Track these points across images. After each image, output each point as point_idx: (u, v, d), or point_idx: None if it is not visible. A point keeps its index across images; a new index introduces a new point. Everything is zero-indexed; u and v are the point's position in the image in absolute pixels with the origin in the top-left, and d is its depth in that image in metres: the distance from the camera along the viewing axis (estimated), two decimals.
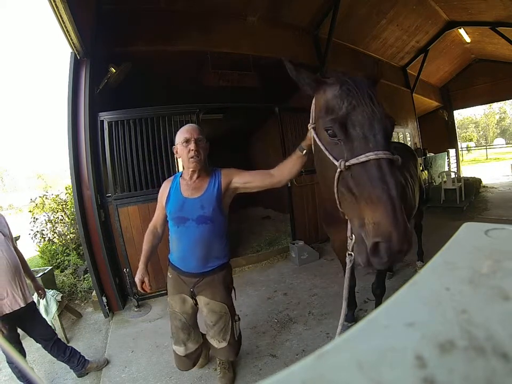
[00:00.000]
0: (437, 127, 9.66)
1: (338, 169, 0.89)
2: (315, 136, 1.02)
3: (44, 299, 2.42)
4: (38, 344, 1.97)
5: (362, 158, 0.83)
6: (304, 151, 1.24)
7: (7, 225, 1.90)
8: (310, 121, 1.07)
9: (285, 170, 1.34)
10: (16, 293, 1.72)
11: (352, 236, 0.97)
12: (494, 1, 4.88)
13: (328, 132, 0.92)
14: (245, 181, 1.46)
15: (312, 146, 1.10)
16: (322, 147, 0.97)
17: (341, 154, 0.90)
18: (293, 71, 1.03)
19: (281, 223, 5.53)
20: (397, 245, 0.77)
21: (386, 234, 0.76)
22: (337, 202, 0.97)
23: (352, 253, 1.02)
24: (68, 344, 2.13)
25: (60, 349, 1.98)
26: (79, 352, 2.08)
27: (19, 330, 1.86)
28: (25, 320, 1.84)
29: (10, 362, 1.77)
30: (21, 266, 1.85)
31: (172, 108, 3.38)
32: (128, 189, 3.16)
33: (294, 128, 4.25)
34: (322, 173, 1.07)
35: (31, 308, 1.87)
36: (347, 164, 0.86)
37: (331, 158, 0.92)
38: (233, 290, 1.66)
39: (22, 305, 1.74)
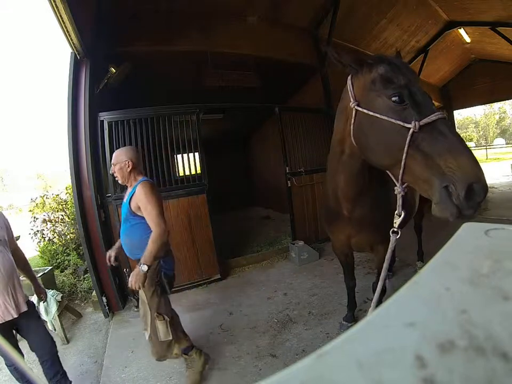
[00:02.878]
0: None
1: (411, 131, 0.95)
2: (364, 110, 1.09)
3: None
4: None
5: (433, 117, 0.94)
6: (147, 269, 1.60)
7: (7, 226, 1.77)
8: (351, 100, 1.14)
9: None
10: (8, 302, 1.60)
11: (401, 212, 1.13)
12: (494, 1, 4.88)
13: (393, 98, 1.01)
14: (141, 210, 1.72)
15: (352, 125, 1.16)
16: (380, 116, 1.04)
17: (409, 117, 0.98)
18: (335, 54, 1.14)
19: (281, 223, 5.53)
20: (486, 185, 0.85)
21: (478, 176, 0.85)
22: (401, 171, 1.02)
23: (399, 230, 1.11)
24: (63, 369, 1.86)
25: (51, 368, 1.78)
26: (70, 381, 1.86)
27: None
28: (20, 329, 1.74)
29: (9, 365, 1.71)
30: (16, 273, 1.70)
31: (172, 108, 3.39)
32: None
33: (294, 128, 4.25)
34: (377, 143, 1.11)
35: (26, 316, 1.70)
36: (421, 123, 0.94)
37: (399, 122, 0.99)
38: (156, 288, 1.75)
39: (15, 315, 1.62)
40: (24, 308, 1.68)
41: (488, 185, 0.86)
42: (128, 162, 1.73)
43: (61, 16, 2.27)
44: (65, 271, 3.93)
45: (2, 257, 1.63)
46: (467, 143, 0.99)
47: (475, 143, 28.19)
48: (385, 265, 1.12)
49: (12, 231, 1.83)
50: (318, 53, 4.97)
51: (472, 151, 0.90)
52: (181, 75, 4.44)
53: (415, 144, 0.95)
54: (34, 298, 2.05)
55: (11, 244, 1.77)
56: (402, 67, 1.07)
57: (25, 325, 1.72)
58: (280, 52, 4.36)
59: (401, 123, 0.98)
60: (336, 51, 1.15)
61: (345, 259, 2.10)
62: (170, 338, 1.74)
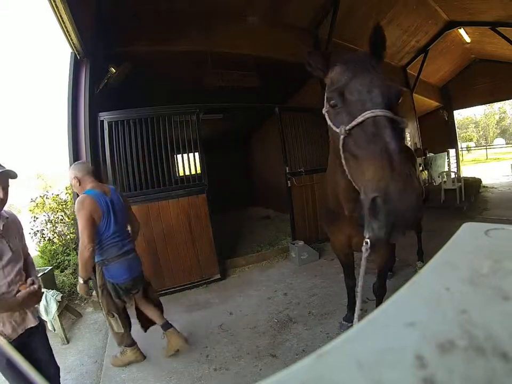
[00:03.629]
0: (437, 127, 9.66)
1: (341, 136, 0.89)
2: (327, 118, 1.03)
3: (44, 299, 2.42)
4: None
5: (359, 119, 0.85)
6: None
7: (22, 233, 1.55)
8: (324, 105, 1.08)
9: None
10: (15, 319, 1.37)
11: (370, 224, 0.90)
12: (494, 1, 4.88)
13: (331, 102, 0.95)
14: None
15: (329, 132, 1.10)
16: (329, 122, 0.99)
17: (342, 121, 0.92)
18: (307, 57, 1.07)
19: (281, 223, 5.52)
20: (397, 199, 0.68)
21: (382, 187, 0.70)
22: (349, 176, 0.97)
23: (368, 240, 0.93)
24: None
25: None
26: None
27: None
28: (26, 347, 1.41)
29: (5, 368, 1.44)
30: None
31: (172, 108, 3.38)
32: (128, 189, 3.16)
33: (294, 128, 4.25)
34: (333, 150, 1.07)
35: (35, 332, 1.46)
36: (347, 128, 0.87)
37: (334, 128, 0.94)
38: (103, 292, 1.96)
39: (32, 324, 1.42)
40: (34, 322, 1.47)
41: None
42: (74, 179, 1.88)
43: (61, 16, 2.27)
44: (65, 271, 3.93)
45: (11, 266, 1.41)
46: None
47: (475, 143, 28.18)
48: (360, 283, 0.97)
49: (23, 235, 1.64)
50: None
51: (401, 154, 0.76)
52: (181, 75, 4.44)
53: (347, 147, 0.90)
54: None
55: (24, 252, 1.56)
56: (352, 65, 0.98)
57: (33, 342, 1.48)
58: (280, 52, 4.36)
59: (334, 128, 0.94)
60: (310, 53, 1.08)
61: (345, 259, 2.10)
62: (122, 331, 2.02)
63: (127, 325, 2.09)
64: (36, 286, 1.36)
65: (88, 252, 1.73)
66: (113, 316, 1.99)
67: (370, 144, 0.80)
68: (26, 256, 1.60)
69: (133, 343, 2.13)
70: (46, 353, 1.53)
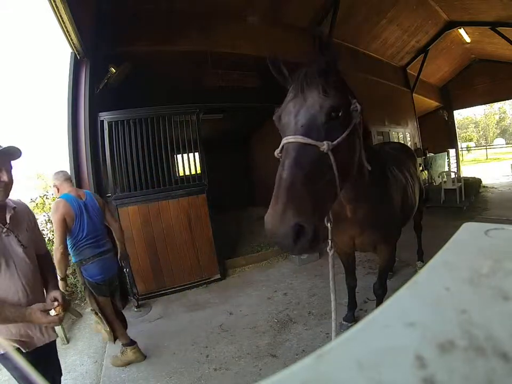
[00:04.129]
0: (437, 127, 9.66)
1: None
2: None
3: None
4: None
5: (280, 146, 0.89)
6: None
7: (31, 219, 1.34)
8: None
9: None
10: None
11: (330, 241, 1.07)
12: (494, 1, 4.88)
13: (276, 124, 0.99)
14: None
15: None
16: None
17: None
18: (272, 69, 1.11)
19: None
20: (268, 227, 0.77)
21: (265, 218, 0.78)
22: None
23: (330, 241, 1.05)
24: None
25: None
26: None
27: None
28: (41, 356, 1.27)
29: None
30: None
31: (172, 108, 3.38)
32: (128, 189, 3.16)
33: None
34: None
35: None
36: (276, 153, 0.92)
37: (275, 153, 0.96)
38: (86, 291, 2.08)
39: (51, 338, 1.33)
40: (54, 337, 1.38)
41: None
42: (53, 187, 2.07)
43: (61, 16, 2.27)
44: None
45: (24, 267, 1.22)
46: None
47: (475, 143, 28.18)
48: (332, 284, 1.09)
49: (39, 229, 1.45)
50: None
51: (281, 184, 0.82)
52: (181, 75, 4.44)
53: None
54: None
55: (39, 247, 1.37)
56: (294, 85, 0.97)
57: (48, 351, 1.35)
58: (280, 52, 4.35)
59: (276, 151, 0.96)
60: (274, 64, 1.10)
61: (347, 259, 2.10)
62: (108, 329, 2.08)
63: (115, 323, 2.13)
64: (58, 308, 1.17)
65: (58, 252, 1.84)
66: (97, 314, 2.08)
67: (278, 172, 0.85)
68: (44, 251, 1.41)
69: (132, 343, 2.14)
70: (56, 362, 1.47)
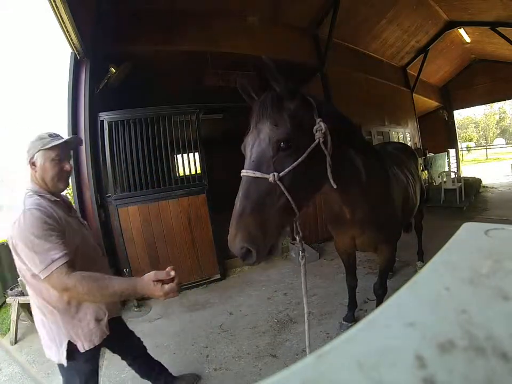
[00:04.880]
0: (437, 127, 9.66)
1: None
2: None
3: None
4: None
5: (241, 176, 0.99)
6: None
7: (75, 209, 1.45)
8: None
9: None
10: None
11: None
12: (494, 1, 4.88)
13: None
14: None
15: None
16: None
17: None
18: (243, 93, 1.21)
19: None
20: (229, 244, 0.93)
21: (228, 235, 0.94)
22: None
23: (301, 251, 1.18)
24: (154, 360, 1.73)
25: (147, 366, 1.67)
26: (167, 370, 1.74)
27: None
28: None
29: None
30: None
31: (172, 108, 3.38)
32: (128, 189, 3.16)
33: None
34: None
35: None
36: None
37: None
38: None
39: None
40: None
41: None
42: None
43: (61, 16, 2.27)
44: None
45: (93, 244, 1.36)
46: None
47: (475, 143, 28.17)
48: (303, 288, 1.23)
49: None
50: (318, 53, 4.98)
51: (235, 211, 0.93)
52: (181, 75, 4.44)
53: None
54: None
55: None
56: (255, 113, 1.05)
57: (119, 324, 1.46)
58: (280, 52, 4.36)
59: None
60: (244, 88, 1.19)
61: (347, 259, 2.11)
62: None
63: None
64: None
65: None
66: None
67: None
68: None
69: None
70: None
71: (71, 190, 3.23)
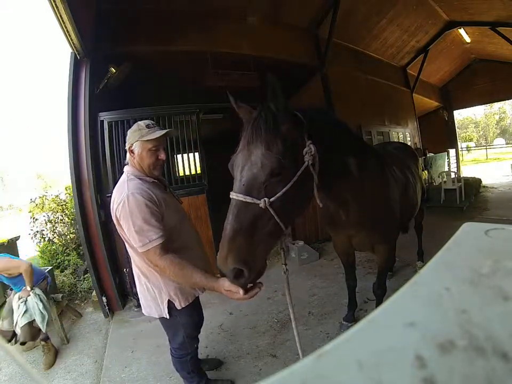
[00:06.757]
0: (437, 127, 9.66)
1: None
2: None
3: (39, 298, 2.34)
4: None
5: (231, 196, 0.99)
6: None
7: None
8: None
9: None
10: None
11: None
12: (494, 1, 4.88)
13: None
14: None
15: None
16: None
17: None
18: (236, 107, 1.22)
19: None
20: (219, 265, 0.95)
21: (217, 256, 0.95)
22: None
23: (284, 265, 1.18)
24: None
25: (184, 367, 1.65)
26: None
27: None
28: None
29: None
30: None
31: (172, 108, 3.38)
32: None
33: None
34: None
35: None
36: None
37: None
38: None
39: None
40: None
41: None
42: None
43: (61, 16, 2.27)
44: (65, 271, 3.93)
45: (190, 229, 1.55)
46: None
47: (475, 143, 28.16)
48: (288, 299, 1.18)
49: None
50: (318, 53, 4.97)
51: (225, 233, 0.94)
52: (181, 75, 4.44)
53: None
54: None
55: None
56: (247, 131, 1.03)
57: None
58: (280, 52, 4.35)
59: None
60: (236, 103, 1.21)
61: (346, 259, 2.10)
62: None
63: None
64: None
65: None
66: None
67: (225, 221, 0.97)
68: None
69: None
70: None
71: (71, 189, 3.23)
